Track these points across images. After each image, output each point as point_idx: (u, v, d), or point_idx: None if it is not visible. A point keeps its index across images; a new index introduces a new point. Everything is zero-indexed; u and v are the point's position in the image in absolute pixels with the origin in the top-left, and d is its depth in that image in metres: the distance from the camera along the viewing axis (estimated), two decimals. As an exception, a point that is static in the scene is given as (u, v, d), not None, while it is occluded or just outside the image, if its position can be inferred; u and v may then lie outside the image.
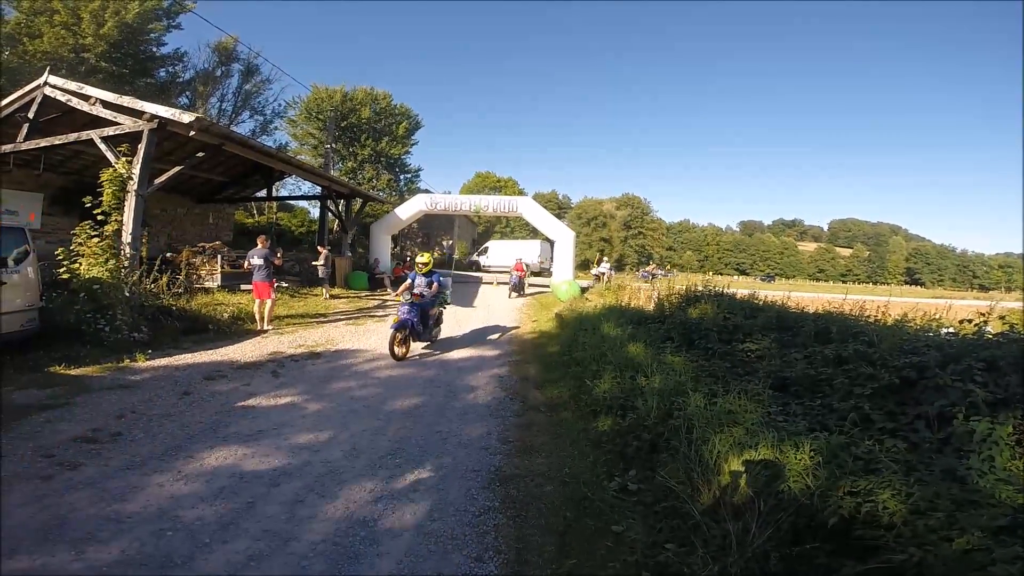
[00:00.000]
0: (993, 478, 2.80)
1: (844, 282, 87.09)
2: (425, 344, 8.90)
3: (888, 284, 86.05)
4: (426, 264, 8.71)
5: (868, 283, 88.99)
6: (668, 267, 41.27)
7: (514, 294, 18.82)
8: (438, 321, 9.25)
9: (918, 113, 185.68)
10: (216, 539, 2.97)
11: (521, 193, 64.13)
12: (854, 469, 2.96)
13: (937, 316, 6.42)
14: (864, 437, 3.46)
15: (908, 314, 6.47)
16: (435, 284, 8.64)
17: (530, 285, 23.41)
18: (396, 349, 7.72)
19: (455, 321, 12.11)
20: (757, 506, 2.78)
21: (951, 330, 5.84)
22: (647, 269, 29.38)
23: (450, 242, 44.73)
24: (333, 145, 31.52)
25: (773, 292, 10.76)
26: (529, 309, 15.42)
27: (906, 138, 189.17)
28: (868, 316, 7.17)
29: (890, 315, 6.95)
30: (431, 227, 42.14)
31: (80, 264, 7.59)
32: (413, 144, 42.03)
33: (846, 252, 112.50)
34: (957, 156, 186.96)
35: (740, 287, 10.40)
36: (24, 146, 10.72)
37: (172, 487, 3.54)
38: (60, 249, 7.63)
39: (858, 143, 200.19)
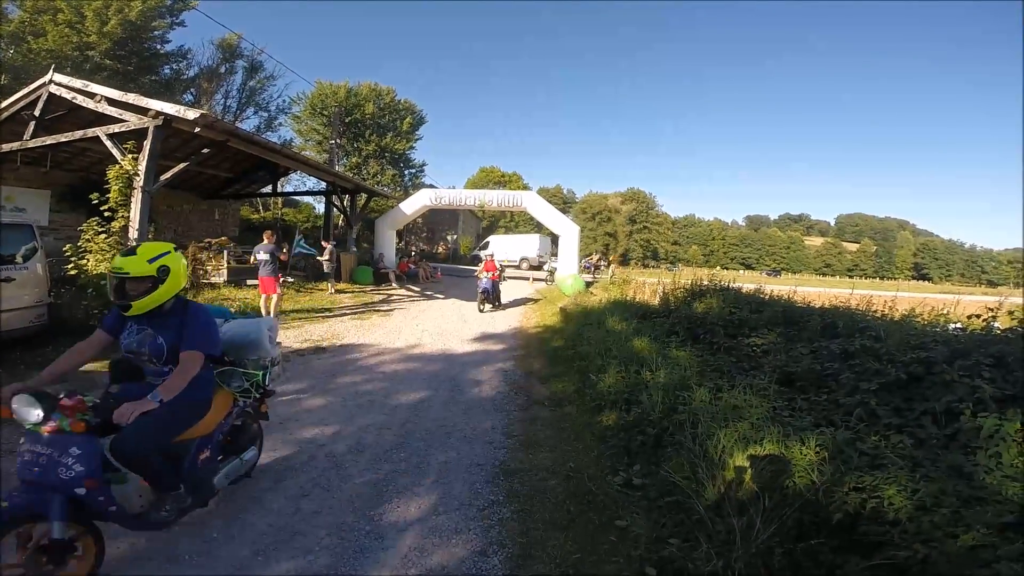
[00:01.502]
0: (1000, 475, 2.78)
1: (851, 277, 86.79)
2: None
3: (895, 279, 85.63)
4: (130, 264, 2.70)
5: (875, 278, 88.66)
6: (613, 258, 40.22)
7: (487, 307, 13.47)
8: (234, 470, 3.25)
9: (926, 108, 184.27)
10: (224, 535, 2.99)
11: (526, 188, 64.02)
12: (860, 465, 2.96)
13: (945, 311, 6.38)
14: (870, 433, 3.45)
15: (915, 309, 6.43)
16: (194, 357, 2.68)
17: (534, 280, 23.39)
18: None
19: (460, 317, 12.13)
20: (762, 501, 2.78)
21: (959, 325, 5.80)
22: (589, 259, 28.44)
23: (454, 237, 44.75)
24: (338, 141, 31.51)
25: (779, 287, 10.72)
26: (533, 304, 15.42)
27: (914, 133, 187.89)
28: (875, 311, 7.13)
29: (897, 310, 6.90)
30: (435, 222, 42.15)
31: (88, 260, 7.63)
32: (417, 139, 42.03)
33: (853, 247, 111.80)
34: (965, 151, 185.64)
35: (746, 281, 10.36)
36: (31, 144, 10.76)
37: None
38: (68, 246, 7.68)
39: (865, 138, 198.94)
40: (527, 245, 36.33)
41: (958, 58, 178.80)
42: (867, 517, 2.59)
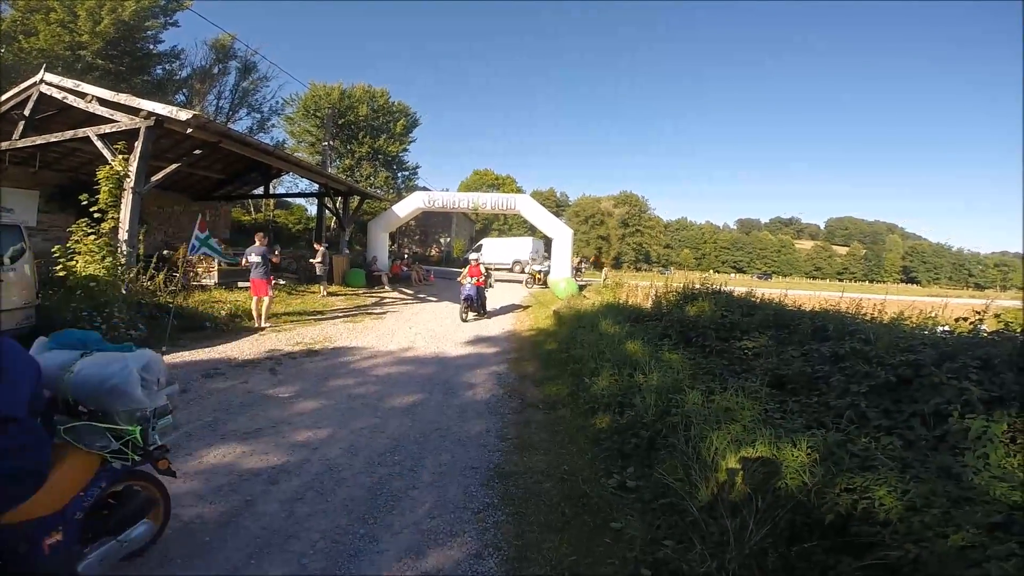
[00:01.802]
0: (988, 475, 2.82)
1: (841, 280, 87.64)
2: None
3: (884, 282, 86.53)
4: None
5: (864, 281, 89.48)
6: (606, 260, 40.54)
7: (470, 315, 12.16)
8: (112, 554, 2.49)
9: (916, 112, 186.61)
10: (216, 537, 2.97)
11: (519, 191, 64.13)
12: (851, 466, 2.99)
13: (933, 314, 6.46)
14: (860, 434, 3.48)
15: (904, 312, 6.50)
16: None
17: (527, 283, 23.39)
18: None
19: (453, 320, 12.11)
20: (755, 503, 2.80)
21: (946, 328, 5.87)
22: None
23: (448, 239, 44.74)
24: (331, 143, 31.46)
25: (770, 290, 10.82)
26: (526, 307, 15.44)
27: (903, 137, 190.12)
28: (865, 314, 7.20)
29: (886, 313, 6.98)
30: (429, 224, 42.19)
31: (77, 261, 7.56)
32: (411, 142, 42.00)
33: (843, 250, 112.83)
34: (954, 155, 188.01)
35: (737, 285, 10.46)
36: (20, 143, 10.67)
37: (170, 486, 3.52)
38: (56, 247, 7.60)
39: (856, 141, 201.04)
40: (520, 248, 36.50)
41: (956, 58, 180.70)
42: (858, 518, 2.62)
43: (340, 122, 36.15)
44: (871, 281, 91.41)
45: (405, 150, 41.39)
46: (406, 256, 26.09)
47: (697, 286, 9.71)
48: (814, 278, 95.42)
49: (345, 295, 15.29)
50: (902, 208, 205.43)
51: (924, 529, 2.37)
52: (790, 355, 5.46)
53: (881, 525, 2.52)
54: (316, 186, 18.36)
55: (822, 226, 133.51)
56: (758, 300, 8.63)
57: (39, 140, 10.48)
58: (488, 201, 21.89)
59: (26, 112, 10.52)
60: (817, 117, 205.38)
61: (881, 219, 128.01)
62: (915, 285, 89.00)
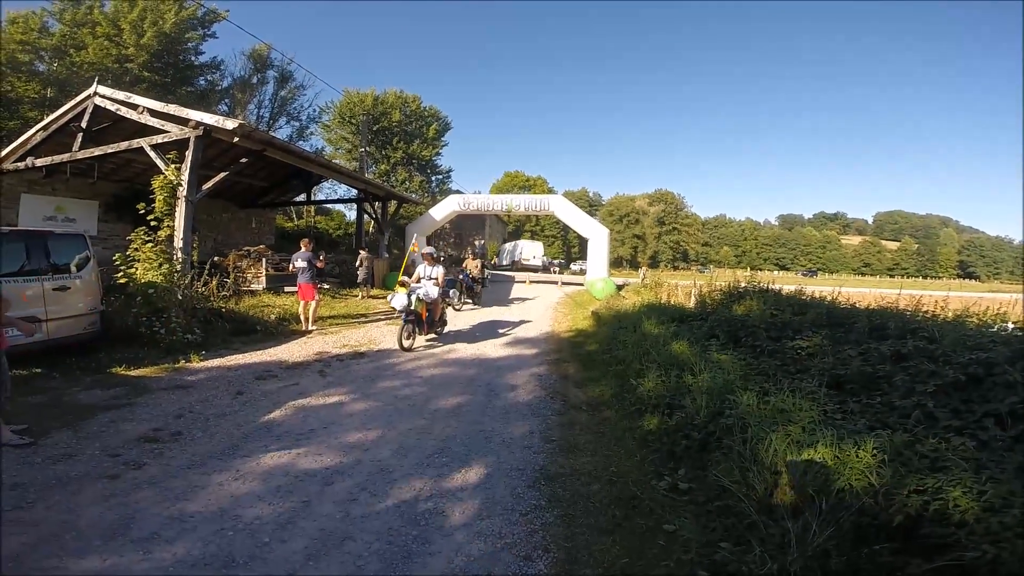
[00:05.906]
0: (1071, 477, 2.65)
1: (891, 276, 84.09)
2: None
3: (940, 278, 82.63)
4: None
5: (918, 277, 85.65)
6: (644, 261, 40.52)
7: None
8: None
9: (967, 100, 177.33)
10: (275, 538, 3.04)
11: (551, 191, 63.98)
12: (920, 467, 2.85)
13: (1002, 311, 6.11)
14: (929, 435, 3.31)
15: (969, 308, 6.17)
16: None
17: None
18: None
19: (491, 322, 12.17)
20: (818, 504, 2.71)
21: (1015, 325, 5.55)
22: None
23: (482, 241, 44.96)
24: (366, 148, 32.02)
25: (819, 287, 10.41)
26: (564, 307, 15.37)
27: (955, 127, 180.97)
28: (925, 311, 6.86)
29: (948, 310, 6.63)
30: (463, 227, 42.47)
31: (136, 269, 7.90)
32: (443, 146, 42.47)
33: (893, 246, 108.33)
34: (1012, 143, 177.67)
35: (783, 282, 10.12)
36: (79, 155, 11.23)
37: (231, 486, 3.64)
38: (117, 255, 7.96)
39: (904, 133, 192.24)
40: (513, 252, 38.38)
41: (1005, 49, 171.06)
42: (930, 519, 2.50)
43: (374, 128, 36.82)
44: (925, 277, 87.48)
45: (438, 154, 41.91)
46: (442, 259, 26.31)
47: (743, 284, 9.46)
48: (863, 275, 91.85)
49: (386, 298, 15.53)
50: (956, 200, 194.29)
51: (1003, 530, 2.26)
52: (847, 354, 5.23)
53: (956, 526, 2.40)
54: (355, 192, 18.73)
55: (870, 220, 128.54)
56: (808, 298, 8.33)
57: (96, 151, 11.01)
58: (522, 203, 21.93)
59: (83, 124, 11.07)
60: (861, 106, 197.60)
61: (933, 212, 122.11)
62: (974, 280, 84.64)
